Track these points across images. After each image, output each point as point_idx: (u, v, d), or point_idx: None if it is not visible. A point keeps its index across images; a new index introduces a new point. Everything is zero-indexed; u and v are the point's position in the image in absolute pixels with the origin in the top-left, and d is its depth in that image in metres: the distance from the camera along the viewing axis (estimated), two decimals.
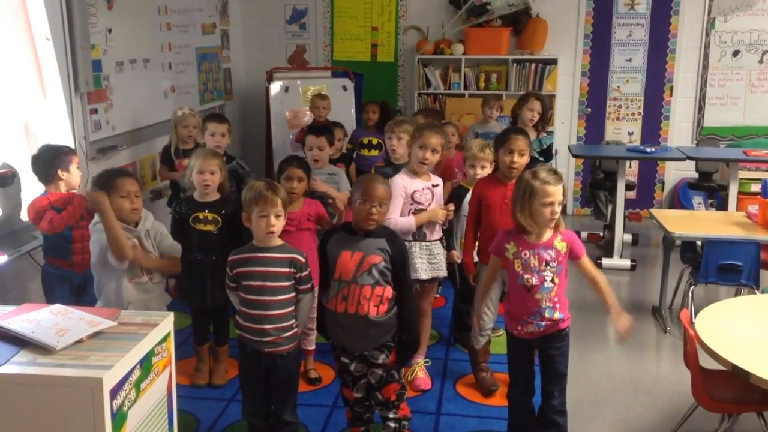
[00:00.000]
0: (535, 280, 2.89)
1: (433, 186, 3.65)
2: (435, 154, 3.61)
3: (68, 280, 3.52)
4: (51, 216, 3.40)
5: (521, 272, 2.90)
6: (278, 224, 2.87)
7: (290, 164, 3.59)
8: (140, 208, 3.13)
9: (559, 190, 2.85)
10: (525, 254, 2.90)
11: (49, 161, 3.51)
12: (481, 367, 3.79)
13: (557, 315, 2.93)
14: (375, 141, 5.43)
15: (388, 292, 2.90)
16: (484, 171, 3.87)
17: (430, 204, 3.61)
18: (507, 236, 2.97)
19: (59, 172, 3.50)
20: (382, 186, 2.94)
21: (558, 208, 2.86)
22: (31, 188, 3.69)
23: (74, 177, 3.57)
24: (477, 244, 3.65)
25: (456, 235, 3.91)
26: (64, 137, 4.18)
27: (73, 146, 4.14)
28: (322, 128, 4.33)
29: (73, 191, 3.57)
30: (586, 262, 2.97)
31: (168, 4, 5.62)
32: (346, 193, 3.66)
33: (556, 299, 2.92)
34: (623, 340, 2.99)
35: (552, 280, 2.89)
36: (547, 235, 2.92)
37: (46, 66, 4.12)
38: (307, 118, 5.78)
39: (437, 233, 3.67)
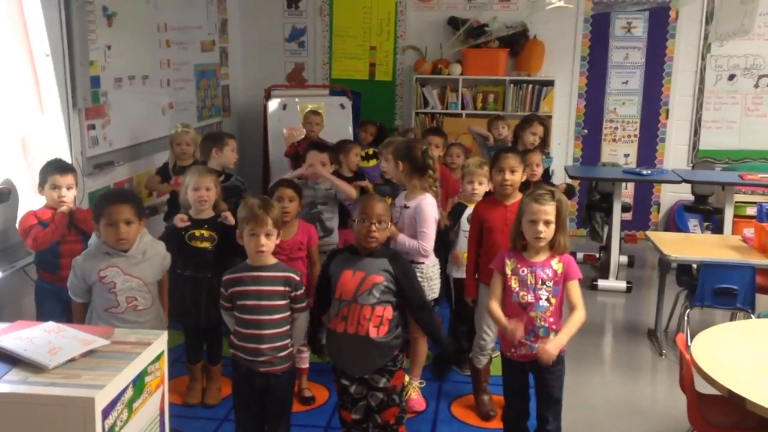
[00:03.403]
0: (530, 298, 2.89)
1: (404, 207, 3.58)
2: (389, 162, 3.87)
3: (58, 294, 3.48)
4: (36, 233, 3.38)
5: (517, 289, 2.90)
6: (268, 244, 2.86)
7: (280, 185, 3.63)
8: (129, 238, 2.96)
9: (547, 210, 2.83)
10: (523, 271, 2.91)
11: (41, 174, 3.50)
12: (483, 388, 3.77)
13: (552, 336, 2.89)
14: (371, 151, 5.48)
15: (389, 312, 2.89)
16: (481, 187, 3.90)
17: (396, 223, 3.56)
18: (508, 252, 2.99)
19: (43, 187, 3.48)
20: (379, 204, 2.94)
21: (543, 228, 2.83)
22: (29, 204, 3.67)
23: (52, 196, 3.46)
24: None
25: (455, 249, 3.92)
26: (62, 153, 4.17)
27: (70, 161, 4.12)
28: (325, 145, 4.37)
29: (60, 208, 3.51)
30: (576, 288, 2.92)
31: (168, 21, 5.64)
32: (347, 184, 3.96)
33: (551, 320, 2.90)
34: (541, 359, 2.81)
35: (548, 300, 2.88)
36: (545, 254, 2.92)
37: (44, 81, 4.11)
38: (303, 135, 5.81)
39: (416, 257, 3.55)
